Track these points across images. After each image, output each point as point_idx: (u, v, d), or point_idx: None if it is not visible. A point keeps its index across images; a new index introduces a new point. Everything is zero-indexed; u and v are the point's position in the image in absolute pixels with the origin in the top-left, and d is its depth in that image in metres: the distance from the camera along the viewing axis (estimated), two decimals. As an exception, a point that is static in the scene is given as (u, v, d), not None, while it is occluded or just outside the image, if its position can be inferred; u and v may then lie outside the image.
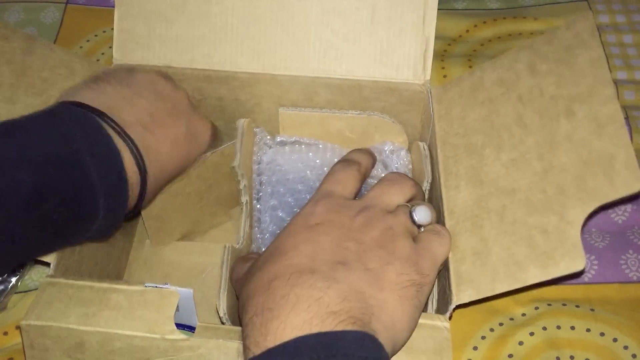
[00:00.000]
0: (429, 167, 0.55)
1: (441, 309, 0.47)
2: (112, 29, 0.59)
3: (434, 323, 0.44)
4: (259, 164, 0.59)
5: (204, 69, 0.57)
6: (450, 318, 0.44)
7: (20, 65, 0.55)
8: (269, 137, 0.60)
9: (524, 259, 0.43)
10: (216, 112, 0.61)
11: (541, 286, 0.57)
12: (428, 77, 0.56)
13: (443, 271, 0.48)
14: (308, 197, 0.56)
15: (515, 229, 0.45)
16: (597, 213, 0.61)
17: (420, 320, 0.43)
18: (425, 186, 0.54)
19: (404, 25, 0.55)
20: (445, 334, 0.43)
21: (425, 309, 0.47)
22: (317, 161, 0.59)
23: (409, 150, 0.60)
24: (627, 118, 0.65)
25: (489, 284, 0.44)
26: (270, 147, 0.59)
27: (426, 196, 0.55)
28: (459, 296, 0.45)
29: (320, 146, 0.59)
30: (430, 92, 0.56)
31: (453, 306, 0.45)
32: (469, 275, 0.45)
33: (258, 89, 0.58)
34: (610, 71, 0.49)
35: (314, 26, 0.56)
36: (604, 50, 0.67)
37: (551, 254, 0.42)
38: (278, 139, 0.60)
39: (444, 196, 0.51)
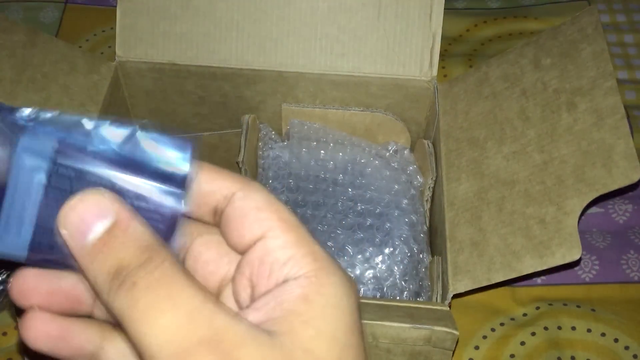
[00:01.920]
0: (433, 165, 0.55)
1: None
2: (112, 28, 0.58)
3: (434, 307, 0.44)
4: (265, 159, 0.58)
5: (208, 66, 0.57)
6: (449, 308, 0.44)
7: (22, 59, 0.54)
8: (273, 132, 0.60)
9: (520, 249, 0.44)
10: (219, 109, 0.60)
11: (541, 282, 0.57)
12: (435, 74, 0.56)
13: (442, 262, 0.48)
14: (316, 191, 0.56)
15: (513, 219, 0.45)
16: (597, 209, 0.61)
17: (420, 305, 0.43)
18: (430, 184, 0.54)
19: (411, 21, 0.55)
20: (446, 310, 0.43)
21: None
22: (321, 152, 0.58)
23: (413, 148, 0.60)
24: (628, 117, 0.65)
25: (485, 274, 0.44)
26: (275, 142, 0.59)
27: (431, 193, 0.55)
28: (455, 286, 0.45)
29: (331, 144, 0.59)
30: (437, 88, 0.56)
31: (450, 295, 0.45)
32: (466, 265, 0.45)
33: (263, 86, 0.58)
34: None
35: (321, 22, 0.56)
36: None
37: (548, 243, 0.43)
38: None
39: (444, 188, 0.51)
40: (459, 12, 0.78)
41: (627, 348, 0.53)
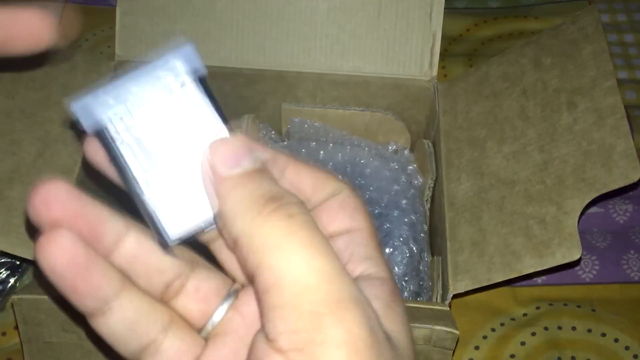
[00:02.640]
0: (433, 165, 0.55)
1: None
2: (111, 27, 0.58)
3: (434, 307, 0.44)
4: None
5: (208, 65, 0.56)
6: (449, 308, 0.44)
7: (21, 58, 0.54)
8: (273, 132, 0.60)
9: (520, 249, 0.44)
10: (219, 109, 0.60)
11: (542, 282, 0.57)
12: (435, 73, 0.56)
13: (442, 262, 0.48)
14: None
15: (514, 219, 0.45)
16: (597, 209, 0.61)
17: (420, 305, 0.43)
18: (430, 183, 0.54)
19: (411, 20, 0.55)
20: (446, 309, 0.43)
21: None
22: (320, 153, 0.58)
23: (413, 148, 0.60)
24: (628, 117, 0.65)
25: (485, 274, 0.44)
26: (275, 142, 0.59)
27: (431, 193, 0.55)
28: (455, 286, 0.45)
29: (330, 144, 0.59)
30: (437, 88, 0.56)
31: (450, 295, 0.45)
32: (466, 265, 0.45)
33: (263, 85, 0.58)
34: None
35: (321, 22, 0.56)
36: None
37: (548, 243, 0.43)
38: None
39: (444, 188, 0.51)
40: (459, 12, 0.78)
41: (627, 348, 0.53)
